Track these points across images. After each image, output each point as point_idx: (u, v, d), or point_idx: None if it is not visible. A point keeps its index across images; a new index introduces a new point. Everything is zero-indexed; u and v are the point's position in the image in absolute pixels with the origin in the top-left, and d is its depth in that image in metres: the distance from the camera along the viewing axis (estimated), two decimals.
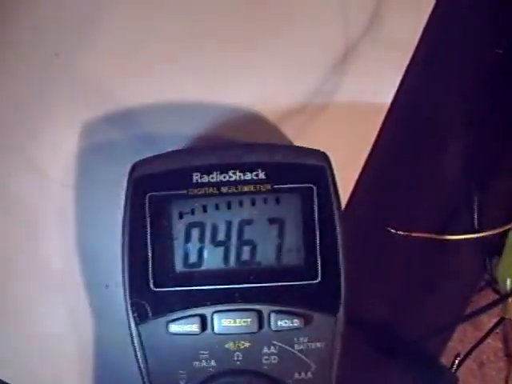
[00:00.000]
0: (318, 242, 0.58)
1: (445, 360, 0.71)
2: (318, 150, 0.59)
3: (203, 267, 0.59)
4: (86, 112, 0.66)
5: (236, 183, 0.58)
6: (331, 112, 0.68)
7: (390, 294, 0.71)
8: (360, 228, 0.67)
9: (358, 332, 0.68)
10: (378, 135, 0.68)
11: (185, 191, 0.59)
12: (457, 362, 0.71)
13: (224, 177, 0.58)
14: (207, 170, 0.58)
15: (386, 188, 0.70)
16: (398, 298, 0.71)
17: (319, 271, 0.58)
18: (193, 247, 0.60)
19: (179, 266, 0.59)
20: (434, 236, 0.69)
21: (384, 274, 0.71)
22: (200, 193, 0.59)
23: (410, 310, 0.71)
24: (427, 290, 0.71)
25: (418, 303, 0.70)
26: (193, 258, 0.59)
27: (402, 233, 0.69)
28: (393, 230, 0.69)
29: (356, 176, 0.68)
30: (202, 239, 0.59)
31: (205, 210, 0.59)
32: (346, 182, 0.64)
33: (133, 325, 0.58)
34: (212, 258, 0.59)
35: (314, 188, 0.59)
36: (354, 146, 0.68)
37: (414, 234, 0.69)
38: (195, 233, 0.59)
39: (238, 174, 0.59)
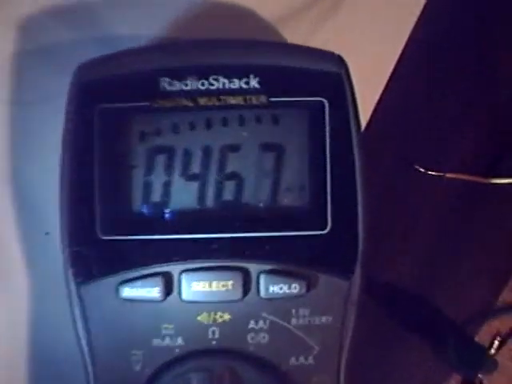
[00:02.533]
0: (328, 177, 0.47)
1: (479, 339, 0.61)
2: (333, 53, 0.47)
3: (170, 208, 0.48)
4: (25, 5, 0.54)
5: (219, 93, 0.46)
6: (349, 8, 0.57)
7: (417, 251, 0.61)
8: (381, 163, 0.58)
9: (376, 302, 0.58)
10: (411, 38, 0.58)
11: (148, 103, 0.46)
12: (496, 342, 0.60)
13: (202, 84, 0.46)
14: (180, 75, 0.46)
15: (415, 111, 0.59)
16: (426, 258, 0.61)
17: (329, 217, 0.47)
18: (157, 181, 0.48)
19: (137, 206, 0.48)
20: (475, 178, 0.59)
21: (410, 225, 0.60)
22: (169, 106, 0.47)
23: (442, 273, 0.61)
24: (464, 249, 0.61)
25: (453, 265, 0.60)
26: (156, 196, 0.48)
27: (434, 173, 0.58)
28: (422, 169, 0.58)
29: (378, 93, 0.58)
30: (169, 170, 0.48)
31: (175, 129, 0.47)
32: (365, 100, 0.50)
33: (72, 286, 0.47)
34: (182, 197, 0.48)
35: (326, 103, 0.47)
36: (377, 52, 0.57)
37: (448, 175, 0.59)
38: (161, 161, 0.48)
39: (221, 80, 0.46)
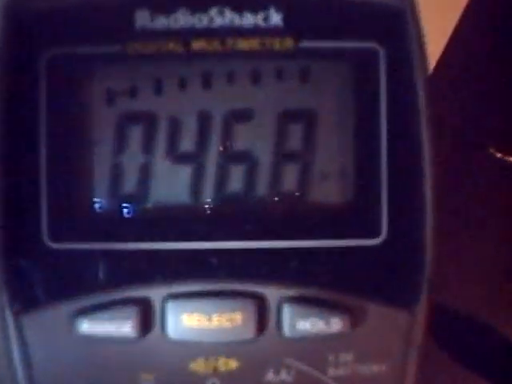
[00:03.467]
0: (383, 160, 0.36)
1: None
2: None
3: (150, 205, 0.37)
4: None
5: (223, 34, 0.36)
6: None
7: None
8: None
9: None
10: None
11: (118, 48, 0.35)
12: None
13: (199, 20, 0.35)
14: (165, 6, 0.35)
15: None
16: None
17: (384, 220, 0.36)
18: (130, 163, 0.37)
19: (102, 201, 0.37)
20: None
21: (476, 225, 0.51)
22: (149, 52, 0.35)
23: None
24: None
25: None
26: (129, 186, 0.37)
27: None
28: (498, 154, 0.48)
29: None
30: (149, 148, 0.37)
31: (158, 87, 0.36)
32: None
33: (8, 316, 0.36)
34: (168, 188, 0.37)
35: (381, 52, 0.36)
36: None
37: None
38: (137, 134, 0.37)
39: (227, 14, 0.35)
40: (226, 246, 0.36)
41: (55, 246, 0.36)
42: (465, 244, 0.52)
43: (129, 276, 0.36)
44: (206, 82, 0.36)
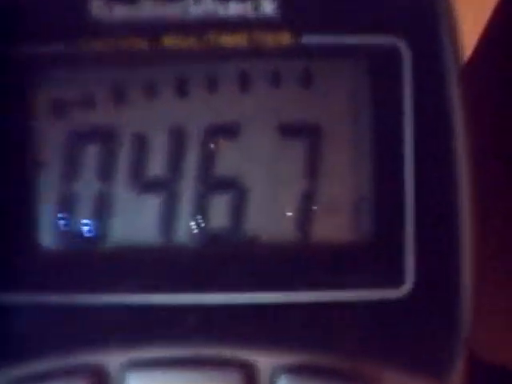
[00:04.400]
0: (408, 186, 0.29)
1: None
2: None
3: (109, 245, 0.29)
4: None
5: (202, 27, 0.28)
6: None
7: None
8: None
9: None
10: None
11: (70, 45, 0.28)
12: None
13: (172, 9, 0.28)
14: None
15: None
16: None
17: (409, 265, 0.28)
18: (85, 192, 0.29)
19: (50, 241, 0.29)
20: None
21: None
22: (108, 50, 0.28)
23: None
24: None
25: None
26: (84, 221, 0.29)
27: None
28: None
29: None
30: (108, 172, 0.29)
31: (119, 95, 0.29)
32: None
33: None
34: (132, 223, 0.29)
35: (404, 49, 0.28)
36: None
37: None
38: (93, 155, 0.29)
39: (206, 1, 0.28)
40: (205, 299, 0.28)
41: None
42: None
43: (80, 337, 0.29)
44: (181, 89, 0.29)
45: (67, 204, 0.29)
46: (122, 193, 0.29)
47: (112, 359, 0.28)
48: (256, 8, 0.28)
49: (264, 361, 0.28)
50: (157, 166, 0.29)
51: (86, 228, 0.29)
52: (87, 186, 0.29)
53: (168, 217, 0.29)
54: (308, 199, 0.29)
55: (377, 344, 0.29)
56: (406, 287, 0.29)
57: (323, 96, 0.29)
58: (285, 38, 0.28)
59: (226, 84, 0.29)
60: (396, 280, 0.29)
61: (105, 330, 0.28)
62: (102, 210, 0.29)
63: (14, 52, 0.28)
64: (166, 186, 0.29)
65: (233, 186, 0.29)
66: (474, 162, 0.29)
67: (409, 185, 0.29)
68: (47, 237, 0.29)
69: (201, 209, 0.29)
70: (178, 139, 0.29)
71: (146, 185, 0.29)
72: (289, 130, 0.29)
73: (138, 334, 0.28)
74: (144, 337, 0.28)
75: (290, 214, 0.29)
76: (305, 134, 0.29)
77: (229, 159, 0.29)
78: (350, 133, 0.29)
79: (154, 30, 0.28)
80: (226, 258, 0.29)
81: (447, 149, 0.28)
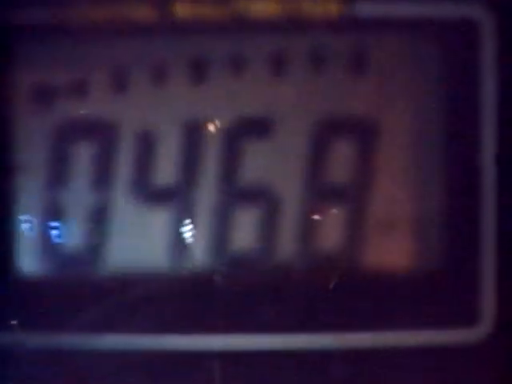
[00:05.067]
0: (489, 194, 0.23)
1: None
2: None
3: (103, 272, 0.23)
4: None
5: None
6: None
7: None
8: None
9: None
10: None
11: (57, 14, 0.23)
12: None
13: None
14: None
15: None
16: None
17: (488, 300, 0.23)
18: (75, 203, 0.23)
19: (25, 262, 0.24)
20: None
21: None
22: (106, 22, 0.23)
23: None
24: None
25: None
26: (73, 241, 0.24)
27: None
28: None
29: None
30: (104, 176, 0.23)
31: (121, 81, 0.23)
32: None
33: None
34: (133, 243, 0.23)
35: (486, 21, 0.23)
36: None
37: None
38: (85, 156, 0.24)
39: None
40: (231, 343, 0.23)
41: None
42: None
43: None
44: (197, 73, 0.23)
45: (52, 219, 0.24)
46: (122, 205, 0.24)
47: None
48: None
49: None
50: (166, 172, 0.24)
51: (75, 250, 0.24)
52: (78, 196, 0.24)
53: (178, 235, 0.24)
54: (358, 215, 0.24)
55: None
56: (485, 327, 0.23)
57: (380, 81, 0.24)
58: (332, 7, 0.23)
59: (256, 66, 0.23)
60: (471, 318, 0.23)
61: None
62: (97, 226, 0.24)
63: None
64: (177, 197, 0.24)
65: (262, 197, 0.24)
66: None
67: (489, 197, 0.23)
68: (27, 260, 0.24)
69: (221, 226, 0.23)
70: (193, 137, 0.24)
71: (152, 195, 0.24)
72: (334, 125, 0.24)
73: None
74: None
75: (334, 233, 0.24)
76: (355, 130, 0.24)
77: (257, 163, 0.24)
78: (413, 129, 0.24)
79: (166, 17, 0.23)
80: (250, 289, 0.24)
81: None
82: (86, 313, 0.23)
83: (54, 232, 0.24)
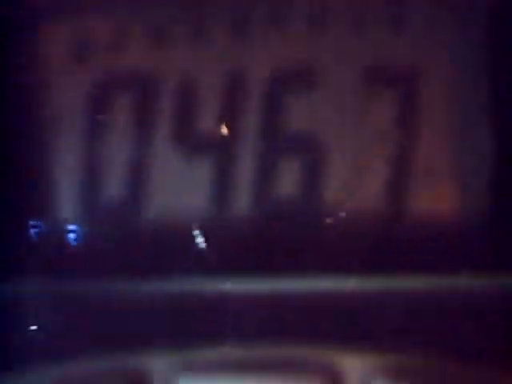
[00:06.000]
0: None
1: None
2: None
3: (148, 220, 0.23)
4: None
5: None
6: None
7: None
8: None
9: None
10: None
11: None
12: None
13: None
14: None
15: None
16: None
17: None
18: (115, 155, 0.23)
19: (69, 215, 0.23)
20: None
21: None
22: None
23: None
24: None
25: None
26: (115, 193, 0.23)
27: None
28: None
29: None
30: (145, 127, 0.23)
31: (159, 34, 0.23)
32: None
33: None
34: (177, 194, 0.23)
35: None
36: None
37: None
38: (126, 108, 0.23)
39: None
40: (272, 286, 0.23)
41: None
42: None
43: (119, 336, 0.23)
44: (238, 26, 0.23)
45: (93, 170, 0.23)
46: (163, 157, 0.23)
47: (159, 362, 0.22)
48: None
49: (353, 364, 0.22)
50: (207, 123, 0.23)
51: (117, 201, 0.24)
52: (118, 146, 0.23)
53: (222, 186, 0.23)
54: (402, 164, 0.23)
55: (490, 345, 0.22)
56: None
57: (421, 33, 0.23)
58: None
59: (297, 17, 0.23)
60: None
61: (148, 325, 0.23)
62: (139, 176, 0.23)
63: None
64: (219, 147, 0.23)
65: (305, 148, 0.23)
66: None
67: None
68: (71, 213, 0.24)
69: (264, 175, 0.23)
70: (234, 87, 0.23)
71: (193, 145, 0.23)
72: (376, 78, 0.23)
73: (189, 330, 0.22)
74: (197, 334, 0.22)
75: (378, 182, 0.23)
76: (397, 82, 0.23)
77: (300, 113, 0.23)
78: (456, 80, 0.23)
79: None
80: (296, 237, 0.23)
81: None
82: (128, 258, 0.23)
83: (97, 183, 0.24)
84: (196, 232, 0.23)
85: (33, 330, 0.24)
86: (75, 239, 0.23)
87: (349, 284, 0.23)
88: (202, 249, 0.23)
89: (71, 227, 0.23)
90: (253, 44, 0.23)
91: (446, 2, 0.24)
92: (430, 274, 0.23)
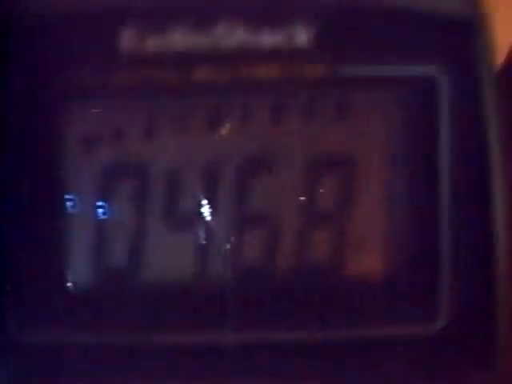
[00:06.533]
0: (444, 220, 0.27)
1: None
2: None
3: (140, 283, 0.27)
4: None
5: (233, 59, 0.27)
6: None
7: None
8: None
9: None
10: None
11: (99, 77, 0.26)
12: None
13: (203, 39, 0.26)
14: (157, 21, 0.26)
15: None
16: None
17: (444, 299, 0.27)
18: (117, 228, 0.27)
19: (82, 278, 0.27)
20: None
21: None
22: (137, 82, 0.26)
23: None
24: None
25: None
26: (116, 258, 0.27)
27: None
28: None
29: None
30: (140, 208, 0.27)
31: (150, 129, 0.27)
32: None
33: None
34: (164, 261, 0.27)
35: (442, 78, 0.27)
36: None
37: None
38: (124, 191, 0.27)
39: (238, 31, 0.26)
40: (241, 338, 0.26)
41: (24, 337, 0.27)
42: None
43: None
44: (213, 123, 0.27)
45: (100, 240, 0.27)
46: (155, 230, 0.27)
47: None
48: (290, 39, 0.26)
49: None
50: (189, 203, 0.27)
51: (118, 265, 0.28)
52: (120, 223, 0.27)
53: (201, 254, 0.27)
54: (341, 234, 0.28)
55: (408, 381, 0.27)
56: (440, 322, 0.27)
57: (358, 128, 0.27)
58: (319, 70, 0.26)
59: (259, 116, 0.27)
60: (430, 315, 0.27)
61: (141, 373, 0.26)
62: (135, 247, 0.27)
63: (43, 87, 0.27)
64: (198, 223, 0.27)
65: (266, 223, 0.28)
66: None
67: (444, 217, 0.27)
68: (79, 274, 0.28)
69: (234, 245, 0.27)
70: (210, 174, 0.27)
71: (179, 220, 0.28)
72: (323, 164, 0.28)
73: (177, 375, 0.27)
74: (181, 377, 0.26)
75: (323, 249, 0.28)
76: (339, 167, 0.28)
77: (262, 194, 0.27)
78: (385, 166, 0.27)
79: (186, 61, 0.26)
80: (256, 295, 0.27)
81: (485, 182, 0.26)
82: (125, 315, 0.28)
83: (101, 250, 0.27)
84: (181, 291, 0.28)
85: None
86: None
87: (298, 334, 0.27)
88: (186, 306, 0.27)
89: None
90: (223, 140, 0.27)
91: (383, 95, 0.28)
92: (357, 323, 0.27)
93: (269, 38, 0.26)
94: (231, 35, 0.26)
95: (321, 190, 0.27)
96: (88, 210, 0.27)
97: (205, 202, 0.27)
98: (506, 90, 0.36)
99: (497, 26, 0.36)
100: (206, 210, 0.27)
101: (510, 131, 0.27)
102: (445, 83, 0.26)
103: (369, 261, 0.28)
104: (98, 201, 0.27)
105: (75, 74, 0.26)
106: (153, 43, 0.26)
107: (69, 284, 0.27)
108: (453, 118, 0.27)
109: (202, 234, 0.27)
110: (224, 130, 0.27)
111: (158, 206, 0.27)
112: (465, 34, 0.26)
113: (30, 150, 0.27)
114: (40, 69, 0.26)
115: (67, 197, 0.27)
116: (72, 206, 0.27)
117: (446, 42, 0.27)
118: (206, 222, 0.27)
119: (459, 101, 0.27)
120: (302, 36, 0.26)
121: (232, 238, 0.27)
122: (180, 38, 0.26)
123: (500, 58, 0.36)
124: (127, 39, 0.26)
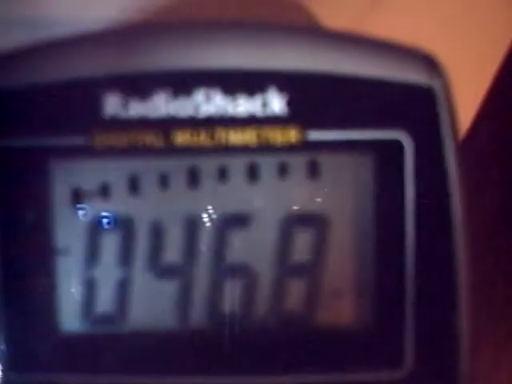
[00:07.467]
0: (409, 272, 0.28)
1: None
2: (419, 51, 0.30)
3: (127, 329, 0.29)
4: None
5: (211, 125, 0.28)
6: None
7: None
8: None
9: None
10: None
11: (85, 139, 0.28)
12: None
13: (182, 106, 0.28)
14: (141, 89, 0.28)
15: None
16: None
17: (409, 347, 0.28)
18: (104, 277, 0.29)
19: (71, 324, 0.29)
20: None
21: None
22: (121, 146, 0.28)
23: None
24: None
25: None
26: (103, 305, 0.29)
27: None
28: None
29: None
30: (125, 258, 0.29)
31: (134, 186, 0.29)
32: None
33: None
34: (149, 308, 0.29)
35: (407, 143, 0.28)
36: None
37: None
38: (110, 242, 0.29)
39: (216, 99, 0.28)
40: (222, 382, 0.28)
41: (14, 376, 0.28)
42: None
43: None
44: (193, 181, 0.29)
45: (87, 289, 0.29)
46: (139, 278, 0.29)
47: None
48: (264, 106, 0.28)
49: None
50: (171, 254, 0.29)
51: (105, 312, 0.29)
52: (106, 271, 0.29)
53: (182, 302, 0.29)
54: (313, 285, 0.29)
55: None
56: (406, 368, 0.28)
57: (329, 188, 0.29)
58: (292, 135, 0.28)
59: (236, 177, 0.29)
60: (396, 361, 0.29)
61: None
62: (121, 295, 0.29)
63: (34, 146, 0.28)
64: (180, 273, 0.29)
65: (243, 274, 0.29)
66: (470, 252, 0.28)
67: (409, 272, 0.29)
68: (68, 320, 0.29)
69: (213, 294, 0.29)
70: (190, 228, 0.29)
71: (161, 271, 0.29)
72: (296, 220, 0.29)
73: None
74: None
75: (296, 299, 0.29)
76: (311, 223, 0.29)
77: (239, 247, 0.29)
78: (354, 222, 0.29)
79: (166, 126, 0.28)
80: (234, 341, 0.29)
81: (447, 240, 0.28)
82: (112, 359, 0.29)
83: (89, 298, 0.28)
84: (165, 337, 0.29)
85: None
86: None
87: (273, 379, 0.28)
88: (169, 351, 0.28)
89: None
90: (202, 196, 0.28)
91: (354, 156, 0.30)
92: (328, 369, 0.28)
93: (245, 105, 0.27)
94: (209, 102, 0.27)
95: (294, 245, 0.29)
96: (77, 261, 0.28)
97: (186, 253, 0.29)
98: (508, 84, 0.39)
99: (497, 26, 0.38)
100: (186, 261, 0.29)
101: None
102: (410, 147, 0.28)
103: (339, 311, 0.29)
104: (86, 252, 0.28)
105: (66, 134, 0.28)
106: (136, 108, 0.27)
107: (59, 329, 0.28)
108: (418, 180, 0.28)
109: (184, 283, 0.29)
110: (203, 189, 0.28)
111: (142, 257, 0.29)
112: (428, 100, 0.28)
113: (20, 206, 0.28)
114: (32, 130, 0.28)
115: (57, 248, 0.28)
116: (62, 258, 0.28)
117: (410, 109, 0.28)
118: (187, 272, 0.29)
119: (424, 164, 0.28)
120: (276, 103, 0.27)
121: (212, 288, 0.29)
122: (161, 104, 0.27)
123: (500, 51, 0.40)
124: (112, 104, 0.27)
